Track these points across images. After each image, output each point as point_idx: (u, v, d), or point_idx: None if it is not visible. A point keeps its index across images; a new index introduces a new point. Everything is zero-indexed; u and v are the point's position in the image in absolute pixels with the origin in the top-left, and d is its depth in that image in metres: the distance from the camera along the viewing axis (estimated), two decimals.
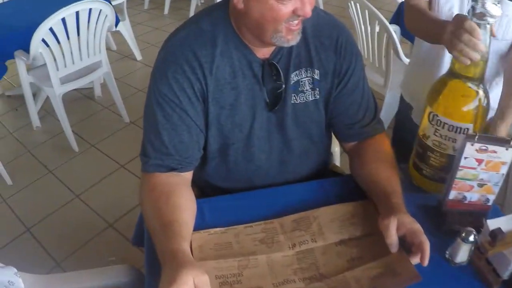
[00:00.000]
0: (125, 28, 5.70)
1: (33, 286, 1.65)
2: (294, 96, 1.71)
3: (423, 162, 1.68)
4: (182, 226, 1.46)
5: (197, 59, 1.59)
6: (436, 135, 1.58)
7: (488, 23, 1.41)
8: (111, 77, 4.51)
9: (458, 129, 1.53)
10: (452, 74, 1.53)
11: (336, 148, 2.30)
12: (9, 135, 4.71)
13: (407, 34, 4.18)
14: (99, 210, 3.65)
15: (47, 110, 4.96)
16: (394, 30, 3.49)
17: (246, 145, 1.76)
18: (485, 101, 1.51)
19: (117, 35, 5.98)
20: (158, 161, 1.64)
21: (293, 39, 1.54)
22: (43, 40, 3.82)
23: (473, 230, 1.39)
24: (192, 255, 1.41)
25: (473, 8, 1.41)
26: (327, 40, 1.71)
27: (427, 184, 1.71)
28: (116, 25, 4.63)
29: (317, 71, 1.71)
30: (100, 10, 4.04)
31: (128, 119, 4.73)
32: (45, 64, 4.01)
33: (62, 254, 3.27)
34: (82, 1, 3.87)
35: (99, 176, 4.02)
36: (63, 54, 4.00)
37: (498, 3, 1.39)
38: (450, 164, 1.55)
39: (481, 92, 1.50)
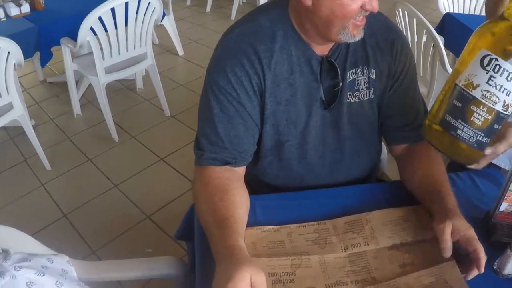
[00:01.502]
0: (169, 22, 5.72)
1: (85, 272, 1.64)
2: (350, 94, 1.72)
3: (459, 119, 1.42)
4: (237, 222, 1.46)
5: (256, 54, 1.61)
6: (490, 84, 1.36)
7: None
8: (155, 70, 4.53)
9: None
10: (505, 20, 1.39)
11: (383, 155, 2.28)
12: (49, 121, 4.75)
13: (450, 45, 4.16)
14: (137, 201, 3.66)
15: (88, 99, 5.00)
16: None
17: (300, 143, 1.76)
18: None
19: (159, 29, 6.01)
20: (213, 154, 1.64)
21: (359, 34, 1.55)
22: (91, 29, 3.85)
23: None
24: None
25: None
26: (383, 42, 1.72)
27: (458, 149, 1.48)
28: (162, 19, 4.65)
29: (373, 71, 1.72)
30: (149, 2, 4.06)
31: (169, 113, 4.71)
32: (90, 53, 4.06)
33: (98, 243, 3.29)
34: None
35: (138, 167, 4.04)
36: (110, 44, 4.03)
37: None
38: (495, 125, 1.41)
39: None
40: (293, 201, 1.72)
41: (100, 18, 3.82)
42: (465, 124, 1.41)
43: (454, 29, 4.09)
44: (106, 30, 3.93)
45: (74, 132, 4.56)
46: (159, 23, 4.73)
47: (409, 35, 3.75)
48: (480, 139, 1.42)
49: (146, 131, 4.54)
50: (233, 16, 7.11)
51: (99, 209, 3.62)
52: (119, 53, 4.15)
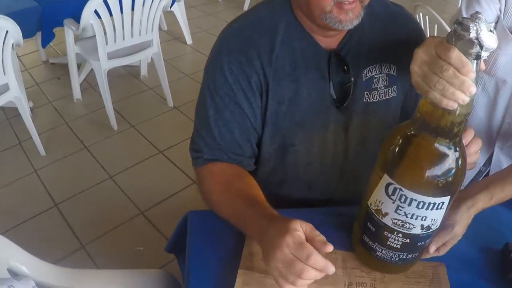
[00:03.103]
0: (179, 9, 5.59)
1: (63, 279, 1.52)
2: (367, 94, 1.57)
3: (376, 243, 1.30)
4: (264, 200, 1.41)
5: (255, 49, 1.50)
6: (399, 213, 1.19)
7: (480, 58, 1.02)
8: (161, 59, 4.40)
9: (431, 205, 1.15)
10: (417, 126, 1.13)
11: None
12: (48, 103, 4.65)
13: None
14: (132, 195, 3.54)
15: (89, 83, 4.89)
16: None
17: (306, 147, 1.62)
18: (461, 161, 1.13)
19: (169, 15, 5.91)
20: (212, 157, 1.57)
21: (347, 21, 1.38)
22: (95, 12, 3.72)
23: None
24: (240, 262, 1.37)
25: (458, 33, 1.01)
26: (403, 32, 1.59)
27: (383, 267, 1.36)
28: (172, 5, 4.53)
29: (393, 67, 1.58)
30: None
31: (172, 104, 4.61)
32: (93, 36, 3.93)
33: (88, 236, 3.18)
34: None
35: (136, 159, 3.92)
36: (114, 28, 3.91)
37: (493, 31, 1.02)
38: (416, 242, 1.25)
39: (457, 152, 1.12)
40: (298, 216, 1.55)
41: (105, 1, 3.70)
42: (382, 248, 1.28)
43: None
44: (111, 14, 3.81)
45: (72, 117, 4.45)
46: (168, 9, 4.57)
47: None
48: (404, 257, 1.28)
49: (146, 121, 4.42)
50: (245, 7, 6.99)
51: (92, 201, 3.50)
52: (124, 39, 4.02)
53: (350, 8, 1.36)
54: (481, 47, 0.99)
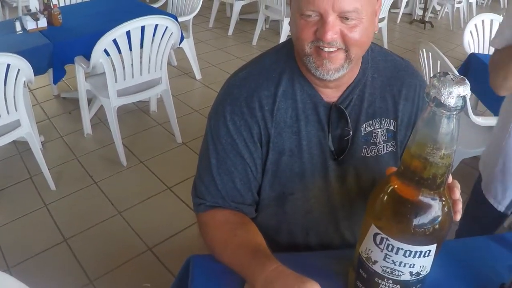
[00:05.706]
0: (188, 45, 5.66)
1: None
2: (365, 148, 1.58)
3: None
4: (267, 248, 1.43)
5: (258, 100, 1.51)
6: (387, 261, 1.21)
7: (449, 117, 1.05)
8: (169, 95, 4.45)
9: (418, 253, 1.18)
10: (402, 179, 1.17)
11: None
12: (59, 138, 4.70)
13: (474, 88, 4.01)
14: (140, 231, 3.56)
15: (100, 119, 4.94)
16: None
17: (305, 197, 1.63)
18: (446, 210, 1.16)
19: (178, 50, 5.93)
20: (214, 204, 1.59)
21: (323, 69, 1.39)
22: (105, 50, 3.78)
23: None
24: None
25: (428, 94, 1.04)
26: (407, 89, 1.59)
27: None
28: (180, 42, 4.58)
29: (393, 122, 1.58)
30: (166, 27, 4.00)
31: (180, 139, 4.65)
32: (104, 73, 3.97)
33: (97, 272, 3.19)
34: (149, 16, 3.85)
35: (144, 195, 3.94)
36: (123, 67, 3.96)
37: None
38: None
39: (442, 202, 1.15)
40: (300, 259, 1.52)
41: (114, 40, 3.76)
42: None
43: (479, 72, 3.90)
44: (120, 53, 3.87)
45: (82, 152, 4.49)
46: (177, 47, 4.64)
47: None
48: None
49: (155, 157, 4.45)
50: (254, 42, 7.04)
51: (101, 236, 3.52)
52: (133, 77, 4.08)
53: (327, 57, 1.36)
54: (448, 108, 1.02)
